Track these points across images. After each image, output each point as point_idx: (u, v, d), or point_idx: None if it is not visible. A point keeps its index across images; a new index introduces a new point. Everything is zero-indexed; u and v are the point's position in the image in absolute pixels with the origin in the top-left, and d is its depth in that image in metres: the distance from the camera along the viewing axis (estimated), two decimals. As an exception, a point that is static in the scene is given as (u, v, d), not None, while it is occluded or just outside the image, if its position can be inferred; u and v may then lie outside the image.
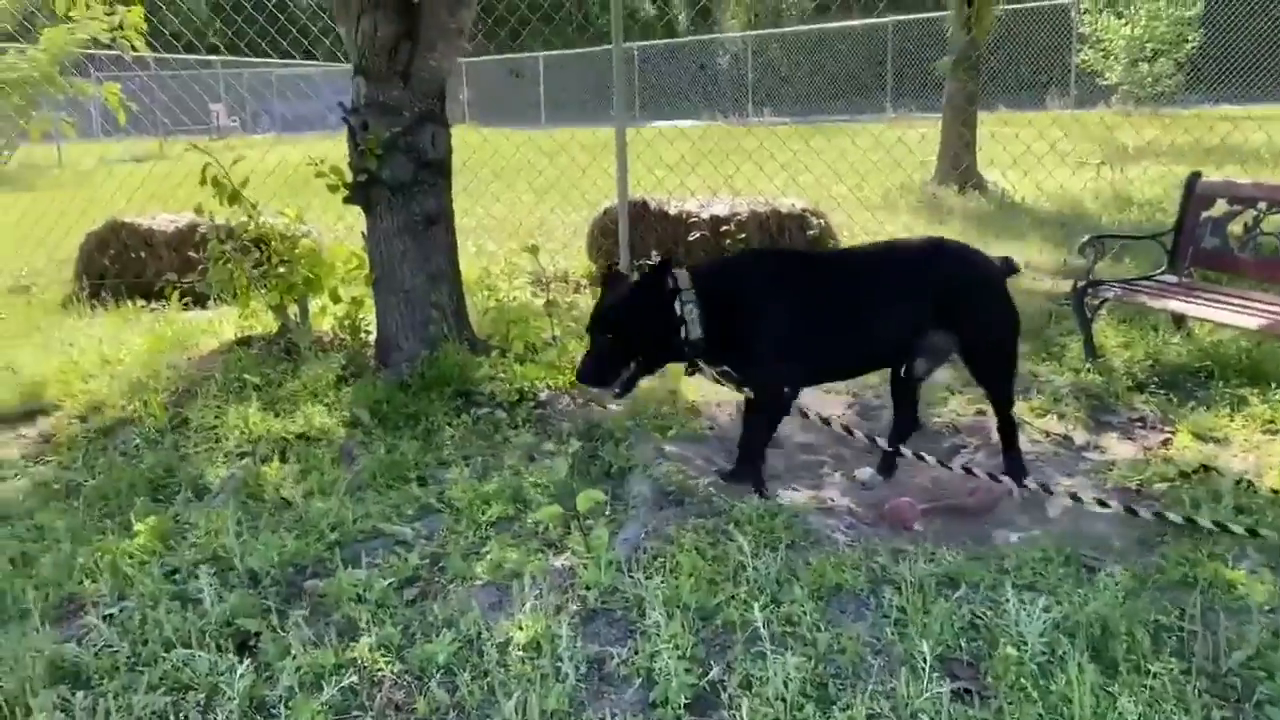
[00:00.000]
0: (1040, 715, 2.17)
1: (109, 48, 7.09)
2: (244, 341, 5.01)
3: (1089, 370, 4.71)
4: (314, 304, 5.10)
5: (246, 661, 2.44)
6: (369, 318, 4.83)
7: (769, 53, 27.39)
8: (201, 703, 2.35)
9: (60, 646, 2.56)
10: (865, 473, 3.84)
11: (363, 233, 4.73)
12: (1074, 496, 3.29)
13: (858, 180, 10.35)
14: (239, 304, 5.01)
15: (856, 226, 8.37)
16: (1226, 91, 18.08)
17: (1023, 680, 2.26)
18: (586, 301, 5.93)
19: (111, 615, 2.75)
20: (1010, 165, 9.94)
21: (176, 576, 2.96)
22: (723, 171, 8.76)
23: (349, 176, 4.54)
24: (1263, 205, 4.62)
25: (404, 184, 4.48)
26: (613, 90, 6.87)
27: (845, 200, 9.76)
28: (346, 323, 4.87)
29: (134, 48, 7.17)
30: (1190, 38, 18.09)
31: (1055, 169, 9.63)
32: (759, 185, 9.10)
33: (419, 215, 4.53)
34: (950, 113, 10.85)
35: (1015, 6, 20.15)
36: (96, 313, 6.66)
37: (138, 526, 3.19)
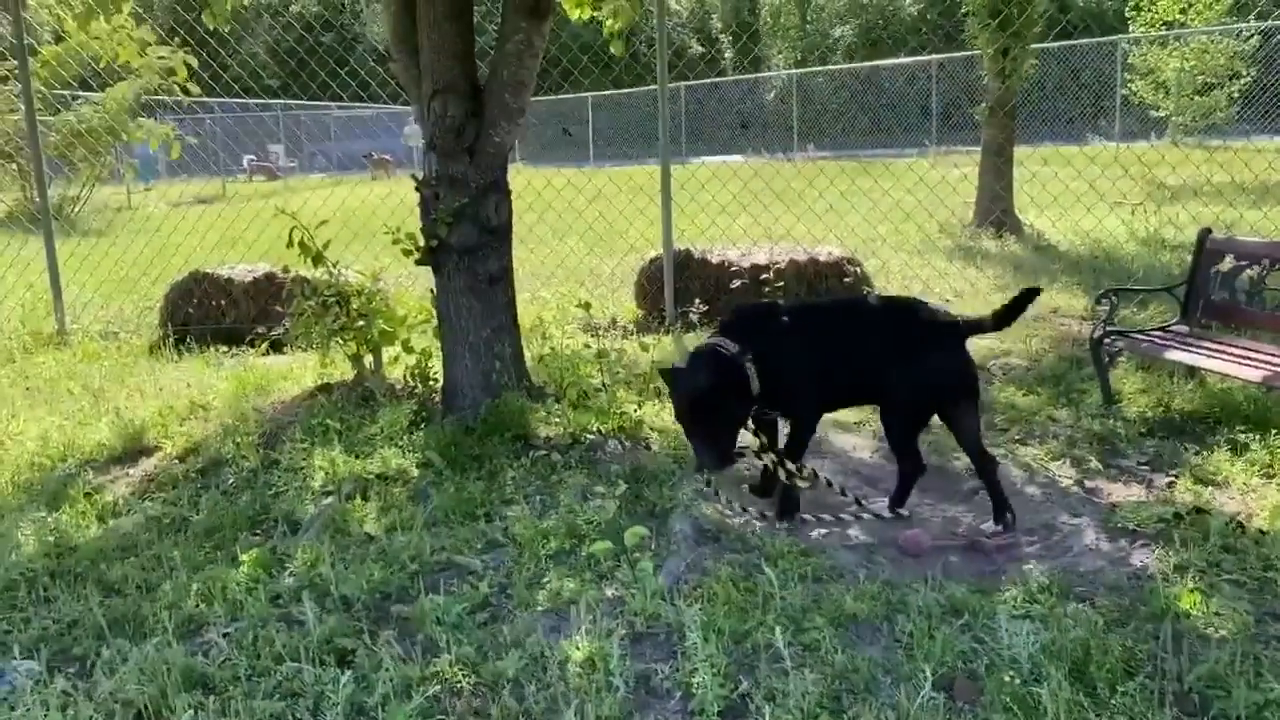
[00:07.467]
0: (1022, 727, 2.53)
1: (183, 92, 7.79)
2: (324, 388, 5.50)
3: (1105, 415, 5.03)
4: (387, 354, 5.59)
5: (348, 673, 2.88)
6: (437, 366, 5.30)
7: (814, 89, 27.90)
8: (310, 707, 2.80)
9: (190, 659, 3.03)
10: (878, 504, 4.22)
11: (430, 289, 5.24)
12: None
13: (900, 220, 10.73)
14: (318, 354, 5.52)
15: (894, 272, 8.73)
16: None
17: (1006, 697, 2.63)
18: (633, 347, 6.35)
19: (228, 634, 3.22)
20: (1046, 206, 10.26)
21: (280, 601, 3.44)
22: (772, 213, 9.17)
23: (420, 240, 5.04)
24: (1266, 262, 4.92)
25: (470, 248, 4.97)
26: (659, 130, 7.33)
27: (885, 243, 10.16)
28: (417, 372, 5.34)
29: (187, 91, 7.85)
30: (1244, 72, 18.23)
31: (1093, 208, 9.88)
32: (804, 226, 9.52)
33: (483, 275, 5.01)
34: (986, 157, 11.18)
35: (1061, 43, 20.37)
36: (182, 358, 7.24)
37: (242, 557, 3.67)
